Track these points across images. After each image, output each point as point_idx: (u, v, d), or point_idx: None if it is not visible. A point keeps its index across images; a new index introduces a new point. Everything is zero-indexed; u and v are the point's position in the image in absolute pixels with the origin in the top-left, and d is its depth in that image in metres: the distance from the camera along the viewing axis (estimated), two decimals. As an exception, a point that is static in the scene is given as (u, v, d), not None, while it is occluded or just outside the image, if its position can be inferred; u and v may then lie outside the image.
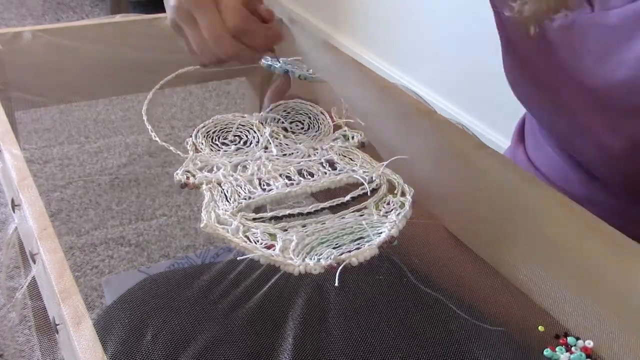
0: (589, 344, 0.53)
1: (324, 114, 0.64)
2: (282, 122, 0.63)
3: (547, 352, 0.54)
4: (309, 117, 0.64)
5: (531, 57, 0.68)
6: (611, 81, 0.61)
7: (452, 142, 0.62)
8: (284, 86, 0.68)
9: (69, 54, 0.78)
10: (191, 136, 0.60)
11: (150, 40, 0.84)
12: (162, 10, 0.88)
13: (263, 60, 0.70)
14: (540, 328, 0.56)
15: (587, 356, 0.53)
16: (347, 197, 0.53)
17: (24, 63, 0.76)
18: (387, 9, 2.19)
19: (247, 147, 0.59)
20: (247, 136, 0.60)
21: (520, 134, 0.90)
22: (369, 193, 0.53)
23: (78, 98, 0.86)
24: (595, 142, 0.67)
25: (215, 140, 0.60)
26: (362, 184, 0.54)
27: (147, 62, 0.83)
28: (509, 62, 0.76)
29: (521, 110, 0.86)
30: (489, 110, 1.84)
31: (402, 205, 0.52)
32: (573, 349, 0.54)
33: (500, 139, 1.83)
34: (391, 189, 0.55)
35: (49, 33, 0.77)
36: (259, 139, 0.60)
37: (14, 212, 0.52)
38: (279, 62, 0.69)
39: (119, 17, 0.84)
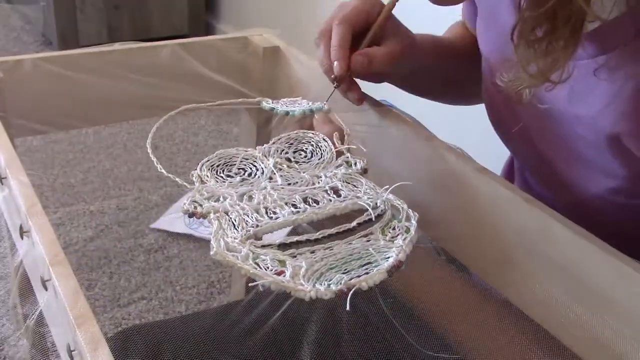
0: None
1: (326, 141, 0.65)
2: (286, 153, 0.63)
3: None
4: (312, 145, 0.65)
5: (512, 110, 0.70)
6: (585, 142, 0.62)
7: (452, 166, 0.63)
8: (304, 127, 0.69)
9: (68, 82, 0.79)
10: (196, 169, 0.60)
11: (149, 67, 0.84)
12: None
13: (264, 103, 0.72)
14: None
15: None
16: (354, 223, 0.54)
17: (24, 91, 0.76)
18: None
19: (252, 178, 0.60)
20: (251, 169, 0.61)
21: (510, 171, 0.90)
22: (373, 219, 0.54)
23: (77, 125, 0.85)
24: (571, 192, 0.68)
25: (220, 173, 0.60)
26: (367, 210, 0.54)
27: (145, 90, 0.84)
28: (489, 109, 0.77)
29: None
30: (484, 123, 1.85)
31: (408, 230, 0.53)
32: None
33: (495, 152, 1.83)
34: (396, 214, 0.55)
35: (49, 61, 0.77)
36: (263, 170, 0.61)
37: (22, 238, 0.52)
38: (279, 104, 0.71)
39: (117, 45, 0.85)
